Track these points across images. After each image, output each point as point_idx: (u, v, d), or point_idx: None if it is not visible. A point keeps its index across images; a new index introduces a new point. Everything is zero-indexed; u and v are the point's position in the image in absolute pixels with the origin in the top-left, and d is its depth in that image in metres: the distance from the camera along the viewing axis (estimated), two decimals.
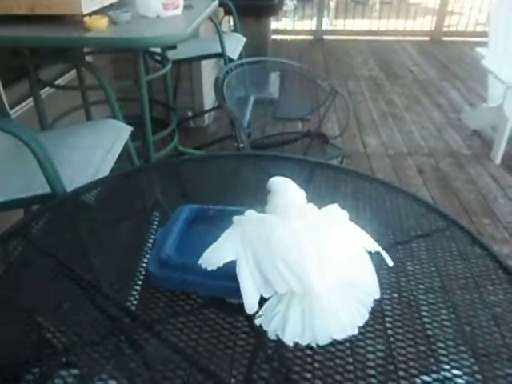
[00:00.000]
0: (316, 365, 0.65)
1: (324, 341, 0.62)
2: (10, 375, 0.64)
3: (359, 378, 0.65)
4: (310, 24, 6.15)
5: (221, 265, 0.68)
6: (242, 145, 1.81)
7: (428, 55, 5.40)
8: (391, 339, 0.70)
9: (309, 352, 0.65)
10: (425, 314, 0.76)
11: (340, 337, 0.63)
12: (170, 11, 1.90)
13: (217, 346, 0.68)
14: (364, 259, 0.73)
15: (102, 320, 0.75)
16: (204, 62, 3.19)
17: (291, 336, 0.62)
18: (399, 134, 3.40)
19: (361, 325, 0.65)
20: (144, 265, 0.84)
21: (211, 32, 3.18)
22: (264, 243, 0.71)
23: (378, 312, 0.69)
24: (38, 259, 0.88)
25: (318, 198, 0.83)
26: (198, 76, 3.21)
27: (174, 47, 2.55)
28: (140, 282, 0.81)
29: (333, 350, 0.66)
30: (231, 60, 2.58)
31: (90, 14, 1.70)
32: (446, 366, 0.66)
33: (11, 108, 2.00)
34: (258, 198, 0.87)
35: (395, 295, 0.78)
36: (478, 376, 0.66)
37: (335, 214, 0.78)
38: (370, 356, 0.67)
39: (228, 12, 3.36)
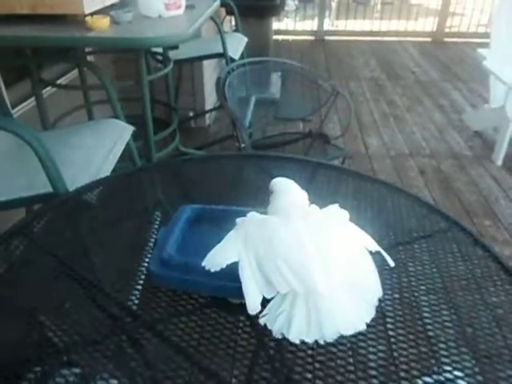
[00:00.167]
0: (317, 365, 0.65)
1: (332, 337, 0.62)
2: (12, 374, 0.64)
3: (360, 379, 0.65)
4: (311, 24, 6.16)
5: (224, 266, 0.68)
6: (243, 145, 1.81)
7: (430, 56, 5.40)
8: (392, 340, 0.70)
9: (310, 352, 0.66)
10: (426, 314, 0.76)
11: (348, 332, 0.63)
12: (171, 11, 1.90)
13: (218, 346, 0.68)
14: (366, 259, 0.73)
15: (104, 319, 0.75)
16: (205, 62, 3.19)
17: (297, 334, 0.62)
18: (401, 134, 3.40)
19: (368, 321, 0.65)
20: (145, 264, 0.84)
21: (213, 32, 3.18)
22: (266, 244, 0.71)
23: (379, 313, 0.69)
24: (40, 258, 0.88)
25: (320, 198, 0.83)
26: (200, 76, 3.21)
27: (175, 47, 2.54)
28: (141, 282, 0.82)
29: (334, 350, 0.66)
30: (233, 60, 2.58)
31: (91, 14, 1.70)
32: (448, 367, 0.66)
33: (13, 107, 2.00)
34: (260, 198, 0.87)
35: (396, 296, 0.78)
36: (480, 377, 0.66)
37: (336, 215, 0.79)
38: (372, 357, 0.67)
39: (230, 12, 3.36)
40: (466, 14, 6.41)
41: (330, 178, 1.20)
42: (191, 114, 3.31)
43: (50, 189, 1.20)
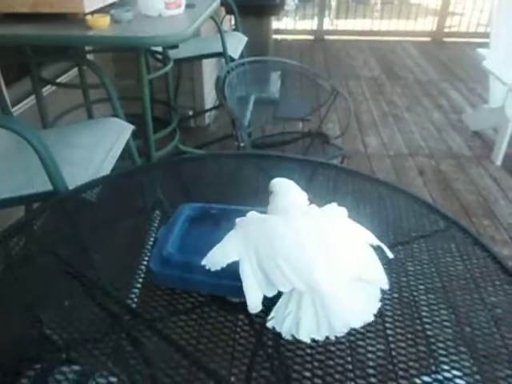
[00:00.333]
0: (316, 364, 0.65)
1: (342, 331, 0.63)
2: (12, 371, 0.64)
3: (359, 378, 0.65)
4: (311, 24, 6.15)
5: (224, 265, 0.69)
6: (242, 144, 1.81)
7: (429, 56, 5.40)
8: (391, 339, 0.70)
9: (309, 351, 0.66)
10: (425, 314, 0.76)
11: (357, 325, 0.65)
12: (172, 10, 1.90)
13: (217, 344, 0.68)
14: (368, 252, 0.74)
15: (103, 317, 0.75)
16: (205, 61, 3.19)
17: (307, 333, 0.63)
18: (400, 134, 3.40)
19: (375, 312, 0.66)
20: (145, 263, 0.84)
21: (213, 31, 3.18)
22: (266, 243, 0.72)
23: (377, 312, 0.69)
24: (40, 256, 0.89)
25: (319, 198, 0.83)
26: (199, 75, 3.21)
27: (175, 46, 2.54)
28: (141, 280, 0.82)
29: (333, 349, 0.66)
30: (232, 59, 2.58)
31: (92, 13, 1.70)
32: (446, 367, 0.66)
33: (13, 106, 2.00)
34: (259, 197, 0.87)
35: (395, 295, 0.78)
36: (478, 377, 0.66)
37: (335, 212, 0.79)
38: (370, 356, 0.68)
39: (229, 11, 3.36)
40: (465, 13, 6.41)
41: (329, 177, 1.20)
42: (191, 112, 3.31)
43: (49, 187, 1.20)
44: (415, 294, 0.80)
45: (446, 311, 0.77)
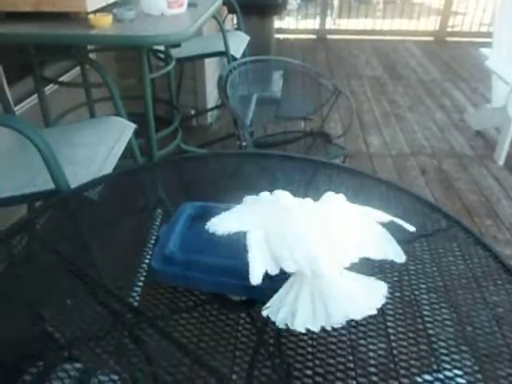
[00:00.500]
0: (317, 362, 0.66)
1: (340, 322, 0.62)
2: (15, 368, 0.65)
3: (360, 376, 0.65)
4: (313, 23, 6.14)
5: (227, 233, 0.69)
6: (244, 143, 1.81)
7: (432, 55, 5.39)
8: (392, 338, 0.70)
9: (310, 349, 0.66)
10: (426, 313, 0.76)
11: (357, 317, 0.63)
12: (174, 9, 1.90)
13: (219, 342, 0.69)
14: (376, 230, 0.75)
15: (105, 315, 0.75)
16: (207, 61, 3.19)
17: (302, 322, 0.62)
18: (402, 134, 3.40)
19: (379, 306, 0.65)
20: (147, 261, 0.84)
21: (215, 30, 3.18)
22: (276, 223, 0.72)
23: (379, 310, 0.69)
24: (42, 255, 0.89)
25: (321, 197, 0.83)
26: (201, 74, 3.21)
27: (178, 45, 2.55)
28: (143, 278, 0.82)
29: (334, 347, 0.66)
30: (234, 58, 2.58)
31: (94, 12, 1.70)
32: (447, 366, 0.66)
33: (15, 104, 2.00)
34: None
35: (397, 294, 0.78)
36: (479, 376, 0.66)
37: (333, 198, 0.81)
38: (371, 354, 0.68)
39: (232, 10, 3.36)
40: (468, 13, 6.39)
41: (331, 176, 1.20)
42: (193, 112, 3.31)
43: (51, 186, 1.21)
44: (417, 292, 0.80)
45: (447, 310, 0.77)
